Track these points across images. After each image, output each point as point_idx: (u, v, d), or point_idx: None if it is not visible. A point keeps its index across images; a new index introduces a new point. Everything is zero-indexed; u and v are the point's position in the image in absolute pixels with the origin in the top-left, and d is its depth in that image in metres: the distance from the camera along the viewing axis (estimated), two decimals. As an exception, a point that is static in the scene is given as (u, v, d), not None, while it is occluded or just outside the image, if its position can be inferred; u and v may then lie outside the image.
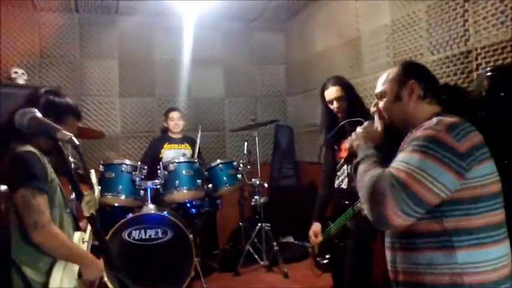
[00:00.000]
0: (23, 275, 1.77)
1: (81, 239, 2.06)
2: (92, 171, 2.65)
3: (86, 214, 1.50)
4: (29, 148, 1.85)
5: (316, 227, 3.03)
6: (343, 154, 2.96)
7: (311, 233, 3.04)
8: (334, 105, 2.89)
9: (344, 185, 2.93)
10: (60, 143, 1.58)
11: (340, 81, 2.95)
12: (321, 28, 5.01)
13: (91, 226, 1.56)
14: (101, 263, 1.98)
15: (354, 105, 2.87)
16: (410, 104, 1.61)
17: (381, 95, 1.69)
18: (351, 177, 2.84)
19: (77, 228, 2.10)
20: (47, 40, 4.87)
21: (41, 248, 1.79)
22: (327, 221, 3.00)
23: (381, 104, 1.69)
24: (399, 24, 3.61)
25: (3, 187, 1.00)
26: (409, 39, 3.51)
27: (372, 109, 1.77)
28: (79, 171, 3.74)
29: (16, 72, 4.44)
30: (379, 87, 1.70)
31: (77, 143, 1.58)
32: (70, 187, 1.56)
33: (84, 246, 2.06)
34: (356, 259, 2.75)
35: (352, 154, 1.82)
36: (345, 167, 2.94)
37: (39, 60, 4.81)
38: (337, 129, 2.98)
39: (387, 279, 1.65)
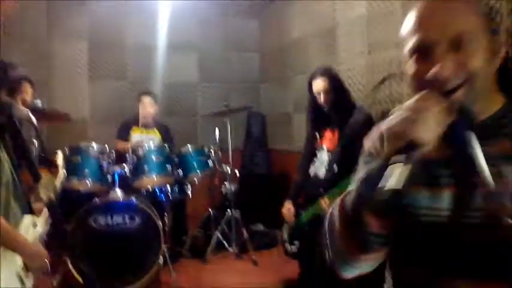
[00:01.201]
0: None
1: (33, 223, 1.97)
2: (59, 153, 2.56)
3: (43, 198, 1.44)
4: None
5: (289, 204, 3.05)
6: (324, 142, 2.98)
7: (285, 209, 3.06)
8: (321, 97, 2.92)
9: (321, 174, 2.94)
10: (16, 121, 1.50)
11: (329, 73, 2.98)
12: (296, 16, 4.97)
13: (49, 211, 1.50)
14: (44, 252, 1.89)
15: (340, 98, 2.92)
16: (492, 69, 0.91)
17: (453, 42, 0.86)
18: (330, 166, 2.85)
19: (30, 211, 2.01)
20: (11, 18, 4.67)
21: None
22: (299, 208, 3.01)
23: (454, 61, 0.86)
24: (375, 14, 3.60)
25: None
26: (385, 30, 3.51)
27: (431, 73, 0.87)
28: (42, 154, 3.62)
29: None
30: (444, 25, 0.87)
31: (34, 119, 1.50)
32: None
33: (35, 231, 1.96)
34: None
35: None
36: (324, 155, 2.96)
37: (2, 38, 4.60)
38: (321, 117, 3.01)
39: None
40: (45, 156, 3.35)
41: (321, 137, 3.04)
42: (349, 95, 3.06)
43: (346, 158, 2.77)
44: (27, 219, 1.95)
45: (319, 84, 2.94)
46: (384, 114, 0.94)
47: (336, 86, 2.93)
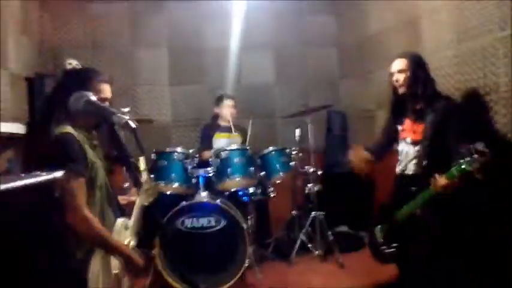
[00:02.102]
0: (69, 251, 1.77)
1: (124, 226, 2.02)
2: (141, 159, 2.59)
3: (145, 203, 1.45)
4: (67, 129, 1.82)
5: (358, 148, 3.03)
6: (406, 134, 2.81)
7: (353, 155, 3.03)
8: (394, 78, 2.74)
9: (409, 171, 2.77)
10: (116, 128, 1.52)
11: (409, 55, 2.79)
12: (376, 8, 4.76)
13: (149, 214, 1.51)
14: (139, 258, 1.92)
15: (419, 82, 2.69)
16: None
17: None
18: (420, 160, 2.67)
19: (122, 214, 2.06)
20: (99, 30, 4.93)
21: (73, 231, 1.76)
22: (388, 207, 2.85)
23: None
24: (465, -2, 3.34)
25: (59, 174, 0.95)
26: (476, 14, 3.24)
27: None
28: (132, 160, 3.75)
29: (70, 64, 4.49)
30: None
31: (134, 126, 1.52)
32: (127, 174, 1.51)
33: (127, 233, 2.01)
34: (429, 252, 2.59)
35: None
36: (409, 149, 2.78)
37: (92, 50, 4.87)
38: (398, 108, 2.84)
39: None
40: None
41: (403, 129, 2.85)
42: (432, 81, 2.80)
43: (434, 150, 2.60)
44: (119, 221, 2.01)
45: (395, 64, 2.78)
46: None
47: (415, 68, 2.73)
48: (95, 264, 1.79)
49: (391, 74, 2.79)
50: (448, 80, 3.51)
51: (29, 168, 1.98)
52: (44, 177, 0.88)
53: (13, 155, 3.53)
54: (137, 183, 1.47)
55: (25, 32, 4.07)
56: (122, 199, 2.27)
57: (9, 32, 3.65)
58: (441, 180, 2.43)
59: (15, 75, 3.74)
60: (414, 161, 2.74)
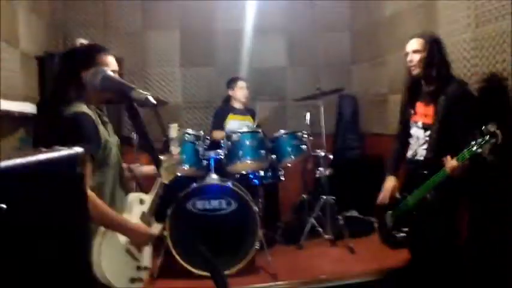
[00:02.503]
0: None
1: (139, 199, 2.01)
2: (172, 126, 2.44)
3: (165, 181, 1.42)
4: (81, 108, 1.80)
5: (391, 181, 2.85)
6: (417, 118, 2.75)
7: (384, 188, 2.86)
8: (408, 58, 2.67)
9: (419, 156, 2.72)
10: (135, 105, 1.49)
11: (426, 35, 2.72)
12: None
13: (168, 193, 1.48)
14: (146, 230, 1.91)
15: (434, 64, 2.61)
16: None
17: None
18: (431, 144, 2.62)
19: (141, 190, 2.05)
20: (110, 11, 4.89)
21: None
22: (402, 192, 2.81)
23: None
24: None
25: (80, 149, 0.93)
26: (496, -3, 3.15)
27: None
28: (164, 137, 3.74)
29: (81, 43, 4.47)
30: None
31: (154, 102, 1.48)
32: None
33: (142, 208, 2.00)
34: (441, 235, 2.56)
35: None
36: (420, 132, 2.72)
37: (103, 31, 4.84)
38: (411, 90, 2.78)
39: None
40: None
41: (415, 112, 2.79)
42: (448, 64, 2.72)
43: (445, 135, 2.55)
44: (133, 196, 2.00)
45: (410, 43, 2.70)
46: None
47: (431, 49, 2.64)
48: (96, 242, 1.77)
49: (406, 54, 2.72)
50: (465, 64, 3.44)
51: (38, 147, 1.96)
52: (66, 152, 0.86)
53: (24, 134, 3.53)
54: (158, 163, 1.44)
55: (35, 11, 4.03)
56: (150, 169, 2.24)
57: (19, 11, 3.62)
58: (452, 162, 2.40)
59: (26, 54, 3.71)
60: (424, 146, 2.69)
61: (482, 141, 2.27)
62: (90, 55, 1.90)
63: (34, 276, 0.76)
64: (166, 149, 1.91)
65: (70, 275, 0.86)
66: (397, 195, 2.80)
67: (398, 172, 2.90)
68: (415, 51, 2.66)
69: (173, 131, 2.23)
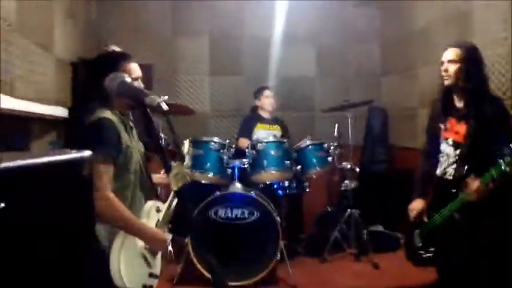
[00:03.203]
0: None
1: (155, 208, 2.04)
2: (186, 143, 2.62)
3: (174, 188, 1.43)
4: (105, 114, 1.85)
5: (418, 203, 2.75)
6: (448, 134, 2.64)
7: (412, 208, 2.77)
8: (443, 67, 2.55)
9: (449, 175, 2.61)
10: (148, 110, 1.51)
11: (464, 45, 2.58)
12: (421, 1, 4.58)
13: (178, 200, 1.49)
14: (163, 236, 1.93)
15: (470, 76, 2.47)
16: None
17: None
18: (461, 163, 2.53)
19: (157, 197, 2.08)
20: (142, 17, 4.99)
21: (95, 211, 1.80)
22: (430, 210, 2.73)
23: None
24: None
25: (87, 153, 0.96)
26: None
27: None
28: (170, 147, 3.78)
29: (113, 50, 4.57)
30: None
31: (166, 108, 1.50)
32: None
33: (158, 216, 2.03)
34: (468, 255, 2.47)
35: None
36: (450, 150, 2.62)
37: (135, 37, 4.93)
38: (443, 104, 2.66)
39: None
40: (173, 150, 3.53)
41: (446, 128, 2.66)
42: (485, 78, 2.56)
43: (476, 153, 2.43)
44: (149, 203, 2.03)
45: (447, 53, 2.55)
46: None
47: (469, 59, 2.49)
48: (117, 245, 1.80)
49: (441, 63, 2.61)
50: (499, 79, 3.34)
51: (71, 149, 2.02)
52: (71, 155, 0.88)
53: (55, 137, 3.62)
54: (168, 169, 1.45)
55: (71, 17, 4.15)
56: (158, 177, 2.30)
57: (55, 16, 3.72)
58: (474, 184, 2.31)
59: (60, 59, 3.81)
60: (454, 166, 2.59)
61: (510, 159, 2.18)
62: (113, 62, 1.95)
63: (32, 275, 0.77)
64: (177, 156, 1.94)
65: (68, 275, 0.87)
66: (425, 218, 2.71)
67: (427, 194, 2.80)
68: (450, 61, 2.54)
69: (186, 146, 2.33)
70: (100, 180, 1.79)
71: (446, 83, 2.56)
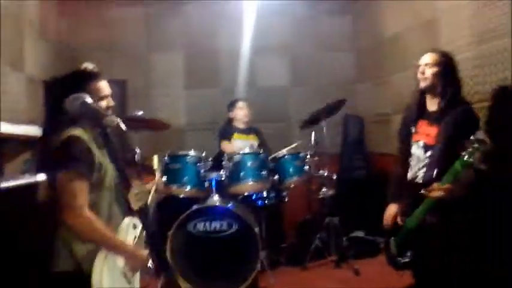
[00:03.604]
0: (72, 253, 1.80)
1: (132, 225, 2.02)
2: (155, 157, 2.64)
3: (134, 207, 1.42)
4: (76, 132, 1.84)
5: (392, 208, 2.79)
6: (419, 137, 2.69)
7: (386, 216, 2.80)
8: (420, 69, 2.62)
9: (419, 179, 2.66)
10: (108, 130, 1.51)
11: (442, 51, 2.67)
12: (392, 9, 4.68)
13: (139, 220, 1.48)
14: (141, 253, 1.93)
15: (446, 80, 2.56)
16: None
17: None
18: (431, 164, 2.57)
19: (131, 213, 2.07)
20: (115, 33, 4.99)
21: (73, 231, 1.78)
22: (402, 215, 2.76)
23: None
24: (484, -2, 3.24)
25: (41, 176, 0.96)
26: (496, 15, 3.14)
27: None
28: (146, 163, 3.76)
29: (86, 67, 4.53)
30: None
31: (125, 128, 1.50)
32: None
33: (135, 232, 2.02)
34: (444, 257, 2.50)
35: None
36: (420, 152, 2.66)
37: (108, 54, 4.92)
38: (417, 106, 2.72)
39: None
40: (150, 166, 3.52)
41: (416, 131, 2.70)
42: (459, 84, 2.64)
43: (446, 157, 2.44)
44: (126, 220, 2.01)
45: (425, 57, 2.63)
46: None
47: (445, 65, 2.58)
48: (98, 264, 1.79)
49: (417, 67, 2.68)
50: (467, 83, 3.41)
51: (42, 170, 2.00)
52: (26, 180, 0.88)
53: (30, 156, 3.57)
54: (127, 188, 1.44)
55: (42, 35, 4.12)
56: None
57: (26, 35, 3.70)
58: (436, 188, 2.36)
59: (31, 78, 3.78)
60: (424, 169, 2.63)
61: (472, 150, 2.23)
62: (80, 81, 1.93)
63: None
64: (137, 175, 1.93)
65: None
66: (399, 221, 2.74)
67: (401, 198, 2.84)
68: (427, 65, 2.61)
69: (155, 162, 2.37)
70: (75, 199, 1.77)
71: (422, 85, 2.63)
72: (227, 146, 4.20)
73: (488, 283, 2.75)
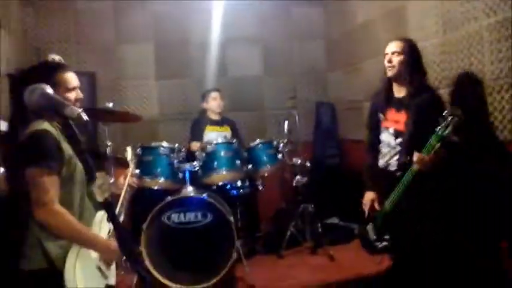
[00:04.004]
0: (45, 251, 1.75)
1: (106, 219, 1.99)
2: (128, 148, 2.60)
3: (99, 199, 1.38)
4: (43, 126, 1.79)
5: (369, 195, 2.84)
6: (388, 124, 2.74)
7: (364, 203, 2.85)
8: (387, 58, 2.67)
9: (391, 167, 2.71)
10: (70, 121, 1.46)
11: (407, 39, 2.74)
12: (361, -3, 4.72)
13: (105, 212, 1.44)
14: (114, 245, 1.89)
15: (412, 67, 2.63)
16: None
17: None
18: (403, 150, 2.62)
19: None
20: (82, 26, 4.87)
21: (45, 226, 1.74)
22: (378, 202, 2.81)
23: None
24: (449, -14, 3.30)
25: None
26: (461, 2, 3.20)
27: None
28: (119, 155, 3.70)
29: (53, 59, 4.42)
30: None
31: (86, 119, 1.45)
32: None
33: (109, 226, 1.99)
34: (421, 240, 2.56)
35: None
36: (390, 139, 2.71)
37: (76, 46, 4.81)
38: (383, 94, 2.77)
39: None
40: (121, 158, 3.45)
41: (386, 118, 2.77)
42: (424, 71, 2.72)
43: (417, 142, 2.51)
44: (100, 214, 1.99)
45: (390, 45, 2.69)
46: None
47: (411, 53, 2.65)
48: (70, 261, 1.75)
49: (385, 55, 2.72)
50: (434, 69, 3.48)
51: (6, 165, 1.94)
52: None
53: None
54: (92, 178, 1.40)
55: (6, 28, 3.99)
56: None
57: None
58: (419, 155, 2.40)
59: (-4, 72, 3.66)
60: (396, 157, 2.68)
61: (446, 123, 2.29)
62: (46, 73, 1.86)
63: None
64: (101, 167, 1.90)
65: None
66: (377, 206, 2.79)
67: (376, 184, 2.88)
68: (394, 53, 2.66)
69: (129, 153, 2.34)
70: (45, 194, 1.73)
71: (389, 73, 2.68)
72: (195, 146, 4.14)
73: (459, 251, 2.83)
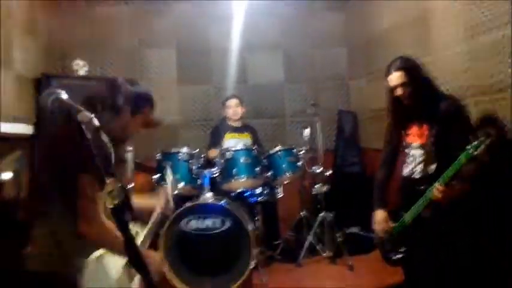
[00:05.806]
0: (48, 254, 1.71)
1: (134, 232, 1.97)
2: (168, 172, 2.62)
3: (109, 205, 1.34)
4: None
5: (380, 214, 2.77)
6: (412, 139, 2.69)
7: (376, 223, 2.78)
8: (398, 92, 2.62)
9: (416, 175, 2.64)
10: (83, 126, 1.43)
11: (404, 65, 2.62)
12: (385, 5, 4.66)
13: (115, 219, 1.39)
14: (157, 257, 1.86)
15: (421, 89, 2.56)
16: None
17: None
18: (426, 160, 2.56)
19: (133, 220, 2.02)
20: (106, 31, 4.93)
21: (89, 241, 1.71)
22: (399, 211, 2.74)
23: None
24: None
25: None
26: (487, 8, 3.13)
27: None
28: (137, 160, 3.72)
29: (78, 64, 4.50)
30: None
31: (97, 124, 1.43)
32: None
33: (139, 237, 1.97)
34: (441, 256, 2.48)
35: None
36: (415, 152, 2.66)
37: (100, 51, 4.87)
38: (404, 113, 2.71)
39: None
40: (139, 163, 3.46)
41: (407, 134, 2.71)
42: (431, 83, 2.64)
43: (439, 152, 2.46)
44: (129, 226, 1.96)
45: (394, 78, 2.59)
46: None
47: (414, 77, 2.56)
48: (91, 267, 1.73)
49: (391, 90, 2.66)
50: (458, 77, 3.41)
51: (39, 169, 1.91)
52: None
53: (20, 155, 3.53)
54: (102, 186, 1.36)
55: (31, 33, 4.08)
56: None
57: (15, 33, 3.65)
58: (439, 188, 2.33)
59: (21, 76, 3.73)
60: (421, 165, 2.62)
61: (477, 143, 2.21)
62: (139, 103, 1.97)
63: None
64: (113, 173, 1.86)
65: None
66: (390, 224, 2.72)
67: (386, 202, 2.79)
68: (399, 85, 2.57)
69: (169, 177, 2.35)
70: (97, 206, 1.65)
71: (405, 102, 2.61)
72: (213, 153, 4.13)
73: (484, 255, 2.74)
